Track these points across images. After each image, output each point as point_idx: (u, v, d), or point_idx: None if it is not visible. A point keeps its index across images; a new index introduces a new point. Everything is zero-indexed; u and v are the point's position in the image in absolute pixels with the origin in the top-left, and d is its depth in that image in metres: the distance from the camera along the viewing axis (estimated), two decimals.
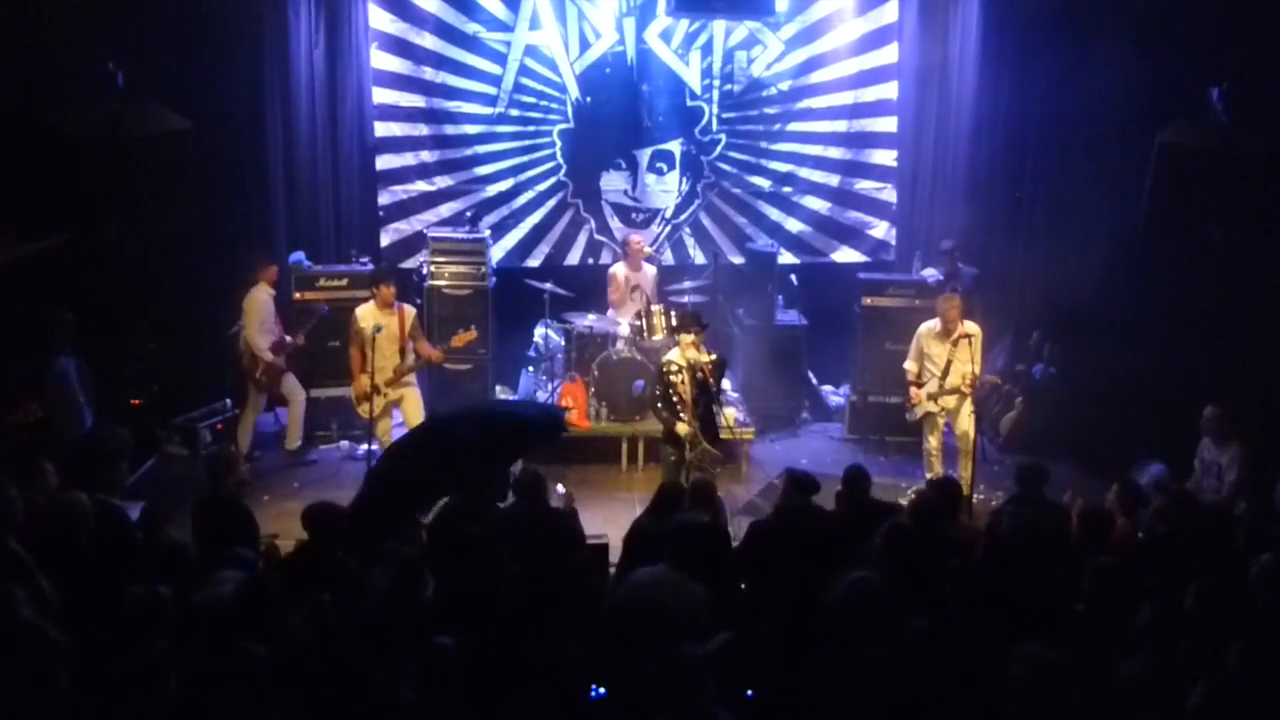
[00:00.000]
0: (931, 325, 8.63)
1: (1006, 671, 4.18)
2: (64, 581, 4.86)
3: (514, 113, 10.93)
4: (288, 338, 9.27)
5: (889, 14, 11.03)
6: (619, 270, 10.29)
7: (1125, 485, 6.61)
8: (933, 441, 8.65)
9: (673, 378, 7.58)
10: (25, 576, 4.72)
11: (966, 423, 8.39)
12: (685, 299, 10.13)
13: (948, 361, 8.45)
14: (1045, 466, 6.71)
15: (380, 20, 10.53)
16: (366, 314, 8.63)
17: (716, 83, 11.11)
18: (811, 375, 10.77)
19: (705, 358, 7.57)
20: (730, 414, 9.13)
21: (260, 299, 9.09)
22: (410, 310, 8.85)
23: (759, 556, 5.80)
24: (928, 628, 4.47)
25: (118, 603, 4.38)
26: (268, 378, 9.12)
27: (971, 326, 8.47)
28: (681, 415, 7.56)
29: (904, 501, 8.07)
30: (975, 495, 8.07)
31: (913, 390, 8.67)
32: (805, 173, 11.31)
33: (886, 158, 11.29)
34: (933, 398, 8.54)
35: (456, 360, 9.65)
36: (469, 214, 10.77)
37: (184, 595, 4.70)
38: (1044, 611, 4.86)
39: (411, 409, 8.77)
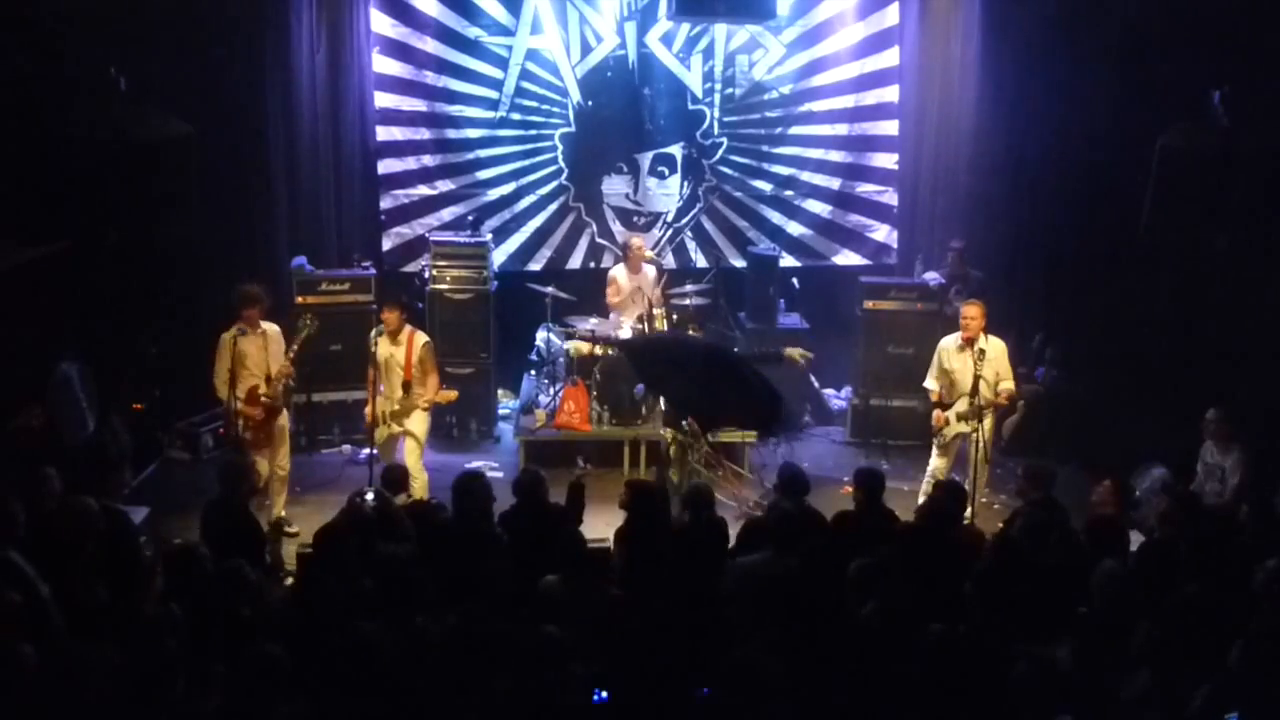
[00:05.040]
0: (952, 339, 8.10)
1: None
2: (68, 586, 4.86)
3: (515, 117, 10.93)
4: (260, 390, 7.79)
5: (890, 17, 11.02)
6: (618, 273, 10.28)
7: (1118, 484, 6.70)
8: (941, 463, 8.07)
9: None
10: (25, 586, 4.71)
11: (985, 432, 7.87)
12: (687, 302, 10.15)
13: (975, 377, 7.63)
14: (1053, 468, 6.74)
15: (381, 25, 10.53)
16: (380, 340, 8.18)
17: (718, 86, 11.11)
18: (813, 378, 10.76)
19: None
20: None
21: (225, 341, 7.79)
22: (420, 339, 8.23)
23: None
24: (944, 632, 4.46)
25: (123, 607, 4.38)
26: (251, 433, 7.77)
27: (996, 341, 7.93)
28: None
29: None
30: (978, 498, 8.04)
31: (936, 413, 8.04)
32: (807, 176, 11.31)
33: (888, 161, 11.28)
34: (962, 418, 7.84)
35: (458, 364, 9.66)
36: (471, 218, 10.73)
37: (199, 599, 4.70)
38: (1051, 614, 4.87)
39: (410, 444, 8.22)
